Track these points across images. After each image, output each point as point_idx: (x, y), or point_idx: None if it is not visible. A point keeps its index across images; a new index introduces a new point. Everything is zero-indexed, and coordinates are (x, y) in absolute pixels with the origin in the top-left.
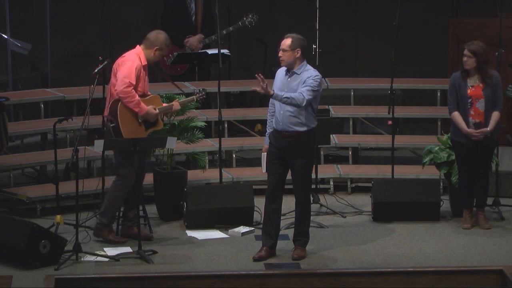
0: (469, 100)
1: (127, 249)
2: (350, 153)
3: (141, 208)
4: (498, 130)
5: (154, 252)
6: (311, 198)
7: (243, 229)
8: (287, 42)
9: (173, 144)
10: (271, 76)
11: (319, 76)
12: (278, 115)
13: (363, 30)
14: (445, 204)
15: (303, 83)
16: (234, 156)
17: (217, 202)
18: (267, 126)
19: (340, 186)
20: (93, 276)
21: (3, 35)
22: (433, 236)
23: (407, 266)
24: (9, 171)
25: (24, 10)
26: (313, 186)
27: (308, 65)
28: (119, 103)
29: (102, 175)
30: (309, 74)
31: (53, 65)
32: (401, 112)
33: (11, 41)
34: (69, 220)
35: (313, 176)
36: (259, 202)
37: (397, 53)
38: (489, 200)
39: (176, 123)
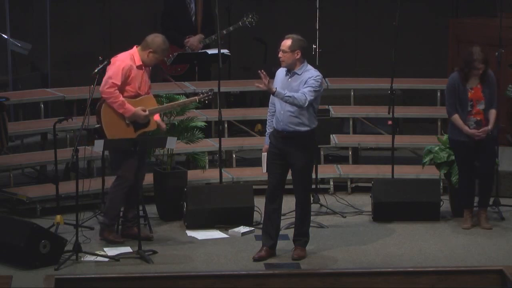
0: (470, 103)
1: (127, 249)
2: (350, 153)
3: (141, 208)
4: (497, 127)
5: (154, 252)
6: (311, 198)
7: (243, 229)
8: (287, 43)
9: (173, 144)
10: (271, 76)
11: (320, 76)
12: (278, 115)
13: (363, 30)
14: (445, 204)
15: (304, 84)
16: (234, 156)
17: (217, 202)
18: (267, 126)
19: (340, 186)
20: (93, 276)
21: (3, 35)
22: (433, 236)
23: (407, 266)
24: (9, 171)
25: (24, 10)
26: (313, 186)
27: (308, 65)
28: (104, 104)
29: (102, 175)
30: (310, 74)
31: (53, 65)
32: (401, 112)
33: (11, 41)
34: (69, 220)
35: (313, 176)
36: (259, 202)
37: (397, 53)
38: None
39: (176, 123)
